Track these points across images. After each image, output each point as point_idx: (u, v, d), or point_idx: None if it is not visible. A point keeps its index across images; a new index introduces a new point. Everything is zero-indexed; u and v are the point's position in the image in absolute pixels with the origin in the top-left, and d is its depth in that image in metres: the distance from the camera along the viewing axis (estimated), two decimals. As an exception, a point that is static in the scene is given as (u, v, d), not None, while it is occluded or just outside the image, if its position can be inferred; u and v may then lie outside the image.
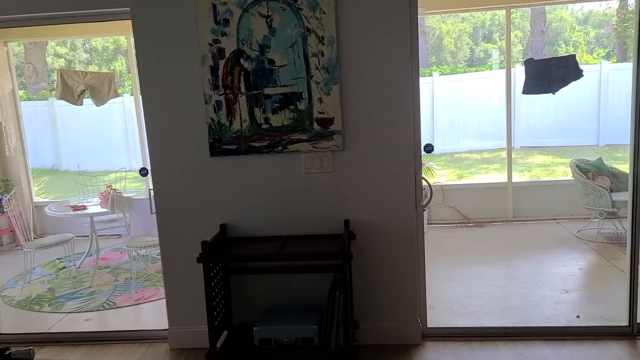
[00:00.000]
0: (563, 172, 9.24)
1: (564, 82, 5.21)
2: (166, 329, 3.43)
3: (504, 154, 8.68)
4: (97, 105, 5.73)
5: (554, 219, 6.18)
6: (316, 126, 3.09)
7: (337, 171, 3.14)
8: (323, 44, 3.01)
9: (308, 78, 3.05)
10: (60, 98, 5.69)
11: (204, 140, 3.16)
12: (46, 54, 15.72)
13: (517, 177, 7.31)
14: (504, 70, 6.40)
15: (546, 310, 3.74)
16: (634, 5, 2.91)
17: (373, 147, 3.09)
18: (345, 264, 2.79)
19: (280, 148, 3.13)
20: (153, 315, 4.17)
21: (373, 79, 3.03)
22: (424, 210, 3.11)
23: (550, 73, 5.10)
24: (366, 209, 3.15)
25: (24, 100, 13.62)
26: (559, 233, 5.74)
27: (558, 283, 4.26)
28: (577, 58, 5.38)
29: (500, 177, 8.97)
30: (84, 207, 4.95)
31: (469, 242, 5.69)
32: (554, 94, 5.31)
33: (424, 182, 3.16)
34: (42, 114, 12.38)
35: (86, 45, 17.38)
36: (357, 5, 2.97)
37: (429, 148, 3.18)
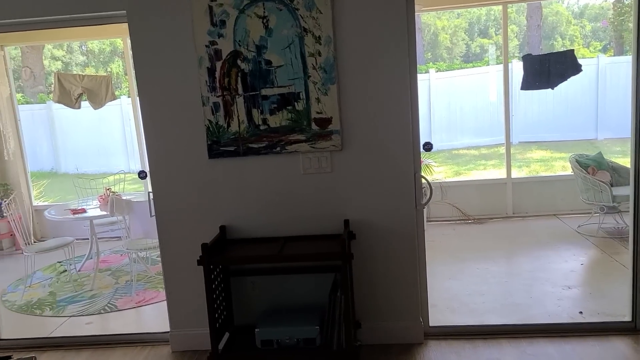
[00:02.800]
0: (562, 167, 9.24)
1: (563, 77, 5.20)
2: (168, 332, 3.43)
3: (501, 150, 8.69)
4: (95, 109, 5.71)
5: (554, 215, 6.18)
6: (314, 126, 3.08)
7: (336, 171, 3.13)
8: (320, 44, 3.00)
9: (305, 78, 3.04)
10: (58, 102, 5.68)
11: (202, 142, 3.15)
12: (43, 57, 15.72)
13: (515, 173, 7.30)
14: (501, 66, 6.39)
15: (549, 307, 3.74)
16: (631, -1, 2.90)
17: (372, 146, 3.09)
18: (345, 264, 2.78)
19: (278, 149, 3.12)
20: (154, 317, 4.17)
21: (371, 78, 3.02)
22: (423, 209, 3.10)
23: (549, 68, 5.09)
24: (366, 209, 3.14)
25: (22, 104, 13.60)
26: (560, 228, 5.74)
27: (560, 279, 4.25)
28: (575, 53, 5.37)
29: (498, 173, 8.99)
30: (84, 211, 4.94)
31: (469, 239, 5.68)
32: (552, 89, 5.31)
33: (423, 181, 3.15)
34: (40, 117, 12.37)
35: (83, 47, 17.37)
36: (354, 4, 2.96)
37: (428, 146, 3.17)
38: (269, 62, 3.04)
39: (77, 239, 6.29)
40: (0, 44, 6.18)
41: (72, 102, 5.59)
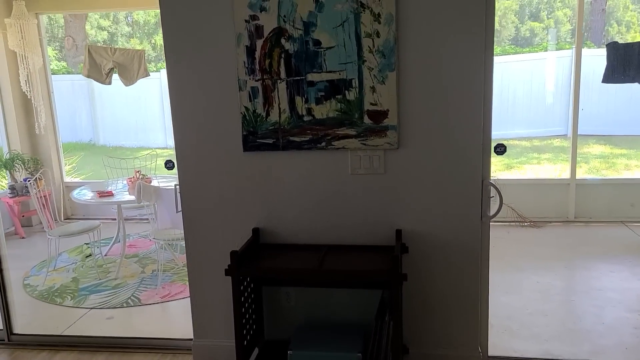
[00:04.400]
0: (625, 165, 8.51)
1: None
2: (191, 339, 3.08)
3: (556, 142, 8.00)
4: (126, 85, 5.38)
5: (622, 222, 5.58)
6: (367, 120, 2.63)
7: (390, 173, 2.68)
8: (379, 23, 2.53)
9: (360, 63, 2.58)
10: (88, 76, 5.35)
11: (236, 133, 2.75)
12: (89, 27, 15.64)
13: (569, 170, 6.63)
14: (561, 52, 5.74)
15: (625, 337, 3.23)
16: None
17: (434, 146, 2.62)
18: (397, 285, 2.35)
19: (324, 144, 2.69)
20: (179, 315, 3.84)
21: (437, 65, 2.54)
22: (490, 221, 2.63)
23: (638, 59, 4.45)
24: (422, 218, 2.69)
25: (63, 73, 13.51)
26: (630, 239, 5.14)
27: (635, 302, 3.72)
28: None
29: (553, 169, 8.33)
30: (111, 194, 4.64)
31: (525, 244, 5.16)
32: (640, 84, 4.66)
33: (492, 189, 2.68)
34: (80, 88, 12.23)
35: (128, 18, 17.19)
36: (422, -24, 2.48)
37: (501, 149, 2.68)
38: (317, 43, 2.60)
39: (106, 219, 6.06)
40: (35, 11, 5.89)
41: (102, 76, 5.26)
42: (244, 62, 2.67)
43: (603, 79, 4.81)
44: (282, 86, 2.67)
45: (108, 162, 5.65)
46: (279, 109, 2.69)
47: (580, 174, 7.72)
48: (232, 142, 2.76)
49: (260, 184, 2.79)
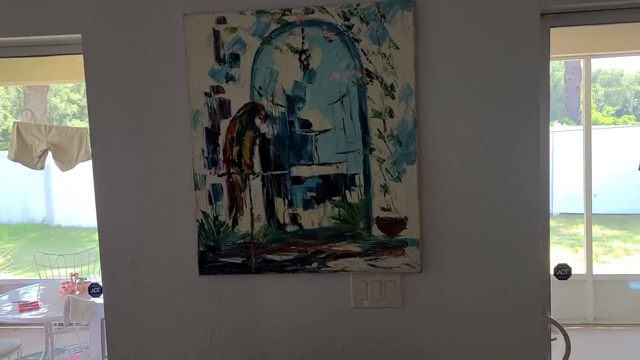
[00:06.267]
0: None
1: None
2: None
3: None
4: (63, 170, 4.51)
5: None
6: (376, 231, 1.86)
7: (409, 307, 1.88)
8: (392, 97, 1.82)
9: (366, 152, 1.84)
10: (15, 159, 4.46)
11: (189, 248, 1.93)
12: (59, 100, 15.04)
13: (571, 255, 5.88)
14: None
15: None
16: None
17: (472, 269, 1.85)
18: None
19: (315, 265, 1.89)
20: None
21: (475, 154, 1.82)
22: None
23: None
24: (457, 372, 1.87)
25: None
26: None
27: None
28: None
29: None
30: (36, 306, 3.68)
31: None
32: None
33: (555, 331, 1.90)
34: (34, 163, 11.31)
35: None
36: (453, 34, 1.79)
37: (563, 271, 1.92)
38: (306, 124, 1.86)
39: (34, 326, 5.01)
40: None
41: (33, 160, 4.39)
42: (203, 151, 1.90)
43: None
44: (256, 183, 1.89)
45: (40, 260, 4.68)
46: (252, 215, 1.90)
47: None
48: (184, 261, 1.94)
49: (224, 322, 1.94)
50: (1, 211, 11.92)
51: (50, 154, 4.45)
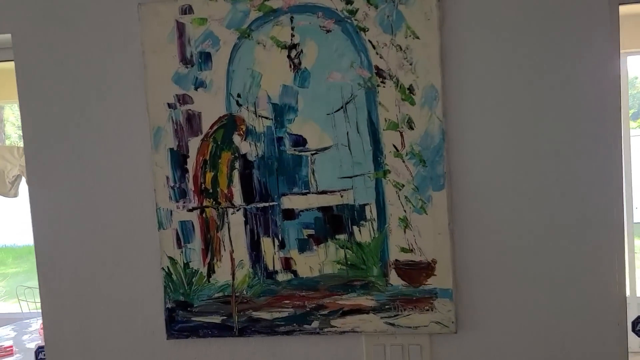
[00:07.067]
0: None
1: None
2: None
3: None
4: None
5: None
6: (395, 279, 1.41)
7: (442, 377, 1.42)
8: (412, 103, 1.38)
9: (379, 176, 1.40)
10: (-18, 187, 4.03)
11: (154, 305, 1.50)
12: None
13: None
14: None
15: None
16: None
17: (523, 329, 1.39)
18: None
19: (316, 325, 1.44)
20: None
21: (524, 176, 1.37)
22: None
23: None
24: None
25: None
26: None
27: None
28: None
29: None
30: (11, 352, 3.25)
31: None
32: None
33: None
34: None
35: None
36: (492, 17, 1.35)
37: (645, 326, 1.46)
38: (299, 141, 1.42)
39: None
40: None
41: (5, 187, 3.99)
42: (167, 179, 1.47)
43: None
44: (236, 220, 1.46)
45: (22, 293, 4.27)
46: (232, 260, 1.46)
47: None
48: (147, 322, 1.51)
49: (200, 400, 1.50)
50: (6, 234, 11.61)
51: (24, 179, 4.04)
